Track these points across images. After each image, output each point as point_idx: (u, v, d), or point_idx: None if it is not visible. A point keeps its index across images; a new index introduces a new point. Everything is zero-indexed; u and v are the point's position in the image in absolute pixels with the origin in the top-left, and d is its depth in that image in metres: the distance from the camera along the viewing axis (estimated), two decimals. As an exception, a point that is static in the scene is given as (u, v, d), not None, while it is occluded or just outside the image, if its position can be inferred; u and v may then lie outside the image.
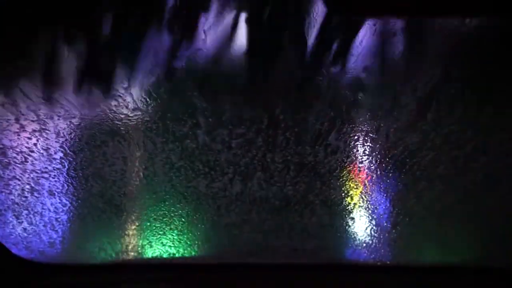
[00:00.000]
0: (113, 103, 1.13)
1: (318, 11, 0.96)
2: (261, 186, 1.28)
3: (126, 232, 1.50)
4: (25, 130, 1.17)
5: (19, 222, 1.41)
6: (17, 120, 1.14)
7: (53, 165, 1.24)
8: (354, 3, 0.71)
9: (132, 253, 1.58)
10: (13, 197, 1.32)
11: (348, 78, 1.08)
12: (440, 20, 0.90)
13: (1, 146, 1.19)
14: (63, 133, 1.17)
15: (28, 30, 0.99)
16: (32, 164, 1.24)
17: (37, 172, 1.26)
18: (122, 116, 1.16)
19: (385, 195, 1.34)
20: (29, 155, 1.22)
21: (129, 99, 1.13)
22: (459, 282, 1.49)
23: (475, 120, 1.13)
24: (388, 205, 1.37)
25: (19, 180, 1.27)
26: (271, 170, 1.23)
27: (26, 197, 1.32)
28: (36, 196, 1.34)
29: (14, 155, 1.22)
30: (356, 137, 1.18)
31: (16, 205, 1.36)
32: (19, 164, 1.23)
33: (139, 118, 1.16)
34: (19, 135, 1.17)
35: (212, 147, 1.19)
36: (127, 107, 1.14)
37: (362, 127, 1.16)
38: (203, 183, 1.28)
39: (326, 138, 1.17)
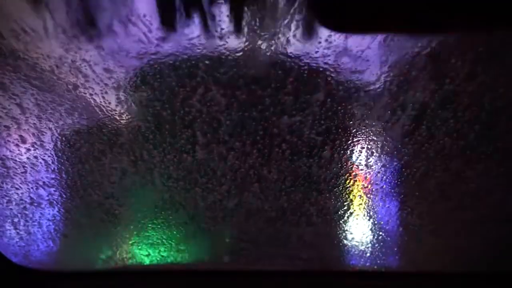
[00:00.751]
0: (111, 113, 1.14)
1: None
2: (257, 195, 1.29)
3: (125, 240, 1.51)
4: (24, 141, 1.18)
5: (18, 231, 1.43)
6: (15, 130, 1.15)
7: (52, 175, 1.25)
8: (345, 20, 0.72)
9: (131, 260, 1.59)
10: (12, 207, 1.33)
11: (344, 89, 1.09)
12: (433, 34, 0.91)
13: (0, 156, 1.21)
14: (60, 143, 1.19)
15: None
16: (31, 174, 1.25)
17: (36, 183, 1.27)
18: (120, 126, 1.17)
19: (380, 203, 1.35)
20: (27, 165, 1.23)
21: (126, 108, 1.13)
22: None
23: (471, 128, 1.13)
24: (384, 213, 1.38)
25: (18, 190, 1.29)
26: (267, 180, 1.24)
27: (25, 207, 1.33)
28: (35, 206, 1.35)
29: (13, 165, 1.23)
30: (351, 147, 1.19)
31: (15, 215, 1.37)
32: (18, 174, 1.25)
33: (136, 127, 1.16)
34: (17, 145, 1.18)
35: (209, 158, 1.20)
36: (124, 117, 1.15)
37: (358, 136, 1.17)
38: (200, 193, 1.29)
39: (322, 148, 1.18)
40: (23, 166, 1.23)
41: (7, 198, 1.31)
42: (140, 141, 1.17)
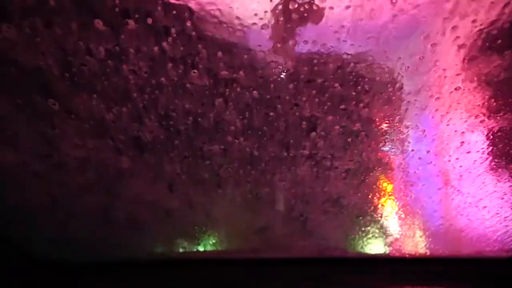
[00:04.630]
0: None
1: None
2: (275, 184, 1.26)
3: (136, 230, 1.50)
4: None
5: (33, 223, 1.42)
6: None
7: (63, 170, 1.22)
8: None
9: (144, 250, 1.60)
10: (29, 199, 1.32)
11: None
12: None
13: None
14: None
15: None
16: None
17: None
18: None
19: (396, 189, 1.32)
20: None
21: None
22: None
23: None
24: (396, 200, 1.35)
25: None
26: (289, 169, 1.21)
27: (42, 201, 1.32)
28: (52, 200, 1.34)
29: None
30: (372, 134, 1.14)
31: (31, 207, 1.36)
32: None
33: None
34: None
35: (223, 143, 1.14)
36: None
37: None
38: (214, 182, 1.26)
39: (344, 135, 1.13)
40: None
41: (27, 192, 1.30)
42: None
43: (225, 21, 0.86)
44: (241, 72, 0.96)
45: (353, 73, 0.98)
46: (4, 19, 0.79)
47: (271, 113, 1.06)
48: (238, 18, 0.86)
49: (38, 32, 0.82)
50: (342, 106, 1.05)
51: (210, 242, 1.55)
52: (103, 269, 1.65)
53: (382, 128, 1.12)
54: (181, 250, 1.58)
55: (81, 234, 1.50)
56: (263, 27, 0.87)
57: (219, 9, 0.84)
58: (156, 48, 0.88)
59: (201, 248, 1.57)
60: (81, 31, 0.82)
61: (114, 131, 1.06)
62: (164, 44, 0.88)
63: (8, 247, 1.46)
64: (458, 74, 0.97)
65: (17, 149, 1.09)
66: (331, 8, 0.84)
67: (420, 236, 1.49)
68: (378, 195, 1.33)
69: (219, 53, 0.91)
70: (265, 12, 0.85)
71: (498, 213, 1.35)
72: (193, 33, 0.86)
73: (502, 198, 1.30)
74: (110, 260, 1.65)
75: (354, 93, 1.02)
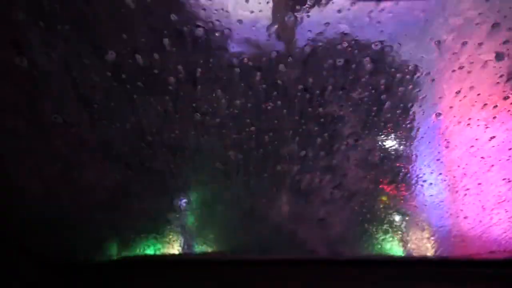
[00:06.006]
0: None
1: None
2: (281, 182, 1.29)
3: (137, 230, 1.54)
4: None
5: (34, 224, 1.44)
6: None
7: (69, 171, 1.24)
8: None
9: (144, 251, 1.63)
10: (32, 202, 1.34)
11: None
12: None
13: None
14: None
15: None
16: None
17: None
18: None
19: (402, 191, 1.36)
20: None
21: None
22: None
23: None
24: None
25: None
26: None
27: (44, 201, 1.34)
28: (53, 200, 1.36)
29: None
30: (376, 135, 1.14)
31: (31, 209, 1.38)
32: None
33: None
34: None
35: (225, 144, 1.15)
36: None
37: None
38: (219, 179, 1.28)
39: (349, 135, 1.13)
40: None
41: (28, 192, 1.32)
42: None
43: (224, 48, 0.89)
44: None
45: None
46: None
47: (266, 136, 1.10)
48: (233, 54, 0.89)
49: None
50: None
51: (210, 244, 1.59)
52: (103, 269, 1.68)
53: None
54: (181, 250, 1.61)
55: (81, 234, 1.52)
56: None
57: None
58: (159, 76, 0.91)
59: (200, 249, 1.60)
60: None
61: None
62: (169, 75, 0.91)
63: (8, 247, 1.47)
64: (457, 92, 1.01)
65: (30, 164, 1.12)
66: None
67: (416, 239, 1.53)
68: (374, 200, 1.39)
69: (218, 90, 0.95)
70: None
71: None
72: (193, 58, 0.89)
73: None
74: (110, 260, 1.67)
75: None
